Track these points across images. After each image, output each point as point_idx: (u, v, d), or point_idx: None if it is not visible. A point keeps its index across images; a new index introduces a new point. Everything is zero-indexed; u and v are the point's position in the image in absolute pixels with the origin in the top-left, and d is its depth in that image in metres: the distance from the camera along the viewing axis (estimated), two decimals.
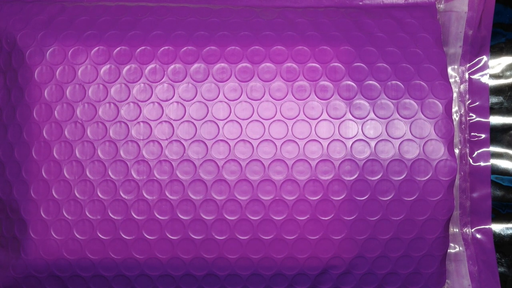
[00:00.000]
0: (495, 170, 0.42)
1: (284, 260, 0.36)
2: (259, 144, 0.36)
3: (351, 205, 0.36)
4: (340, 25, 0.38)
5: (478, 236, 0.41)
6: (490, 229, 0.41)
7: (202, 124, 0.36)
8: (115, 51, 0.37)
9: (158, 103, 0.36)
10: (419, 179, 0.36)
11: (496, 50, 0.43)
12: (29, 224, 0.36)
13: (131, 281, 0.36)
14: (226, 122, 0.36)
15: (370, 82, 0.36)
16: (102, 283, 0.36)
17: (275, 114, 0.36)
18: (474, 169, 0.42)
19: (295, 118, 0.36)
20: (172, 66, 0.36)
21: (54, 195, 0.36)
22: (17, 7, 0.38)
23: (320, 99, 0.36)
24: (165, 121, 0.36)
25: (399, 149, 0.36)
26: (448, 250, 0.41)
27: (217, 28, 0.37)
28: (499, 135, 0.43)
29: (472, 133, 0.42)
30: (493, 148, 0.43)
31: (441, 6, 0.41)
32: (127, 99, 0.36)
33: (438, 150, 0.36)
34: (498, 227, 0.42)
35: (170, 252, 0.36)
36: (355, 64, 0.37)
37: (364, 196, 0.36)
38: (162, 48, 0.37)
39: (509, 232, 0.42)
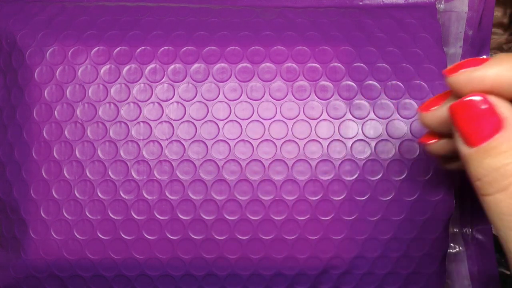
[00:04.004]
0: None
1: (284, 260, 0.36)
2: (259, 144, 0.36)
3: (351, 205, 0.36)
4: (340, 25, 0.38)
5: (478, 236, 0.41)
6: (490, 229, 0.41)
7: (202, 124, 0.36)
8: (115, 51, 0.37)
9: (158, 103, 0.36)
10: (419, 179, 0.36)
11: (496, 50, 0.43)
12: (29, 224, 0.36)
13: (131, 281, 0.36)
14: (226, 122, 0.36)
15: (370, 82, 0.36)
16: (102, 283, 0.36)
17: (275, 114, 0.36)
18: None
19: (295, 118, 0.36)
20: (172, 66, 0.36)
21: (54, 195, 0.36)
22: (17, 7, 0.38)
23: (320, 99, 0.36)
24: (165, 121, 0.36)
25: (399, 149, 0.36)
26: (448, 250, 0.41)
27: (217, 28, 0.37)
28: None
29: None
30: None
31: (441, 6, 0.41)
32: (127, 99, 0.36)
33: None
34: None
35: (170, 252, 0.36)
36: (355, 64, 0.37)
37: (364, 196, 0.36)
38: (162, 48, 0.37)
39: None
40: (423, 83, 0.36)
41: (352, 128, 0.36)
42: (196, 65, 0.36)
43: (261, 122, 0.36)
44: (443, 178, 0.36)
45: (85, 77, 0.36)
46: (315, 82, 0.36)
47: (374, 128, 0.36)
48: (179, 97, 0.36)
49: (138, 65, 0.36)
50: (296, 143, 0.36)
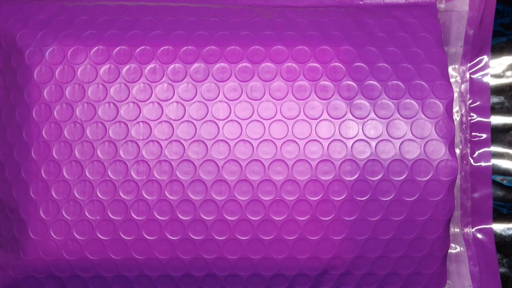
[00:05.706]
0: (496, 170, 0.42)
1: (284, 260, 0.36)
2: (259, 144, 0.36)
3: (352, 205, 0.35)
4: (341, 24, 0.38)
5: (479, 236, 0.41)
6: (491, 229, 0.41)
7: (202, 124, 0.36)
8: (115, 51, 0.36)
9: (158, 103, 0.36)
10: (419, 179, 0.36)
11: (497, 49, 0.43)
12: (29, 225, 0.36)
13: (131, 281, 0.36)
14: (226, 122, 0.36)
15: (371, 82, 0.36)
16: (101, 283, 0.36)
17: (275, 114, 0.36)
18: (475, 169, 0.41)
19: (295, 118, 0.36)
20: (172, 66, 0.36)
21: (54, 195, 0.36)
22: (16, 6, 0.38)
23: (321, 99, 0.36)
24: (165, 121, 0.36)
25: (399, 149, 0.36)
26: (449, 251, 0.40)
27: (217, 28, 0.37)
28: (500, 135, 0.43)
29: (473, 133, 0.42)
30: (494, 148, 0.42)
31: (441, 5, 0.41)
32: (126, 99, 0.36)
33: (439, 150, 0.36)
34: (499, 227, 0.42)
35: (170, 252, 0.36)
36: (356, 64, 0.36)
37: (365, 197, 0.35)
38: (162, 48, 0.37)
39: (510, 232, 0.42)
40: (423, 83, 0.36)
41: (352, 128, 0.36)
42: (196, 65, 0.36)
43: (261, 122, 0.36)
44: (444, 178, 0.36)
45: (84, 77, 0.36)
46: (315, 82, 0.36)
47: (374, 128, 0.36)
48: (179, 97, 0.36)
49: (138, 64, 0.36)
50: (296, 143, 0.36)
